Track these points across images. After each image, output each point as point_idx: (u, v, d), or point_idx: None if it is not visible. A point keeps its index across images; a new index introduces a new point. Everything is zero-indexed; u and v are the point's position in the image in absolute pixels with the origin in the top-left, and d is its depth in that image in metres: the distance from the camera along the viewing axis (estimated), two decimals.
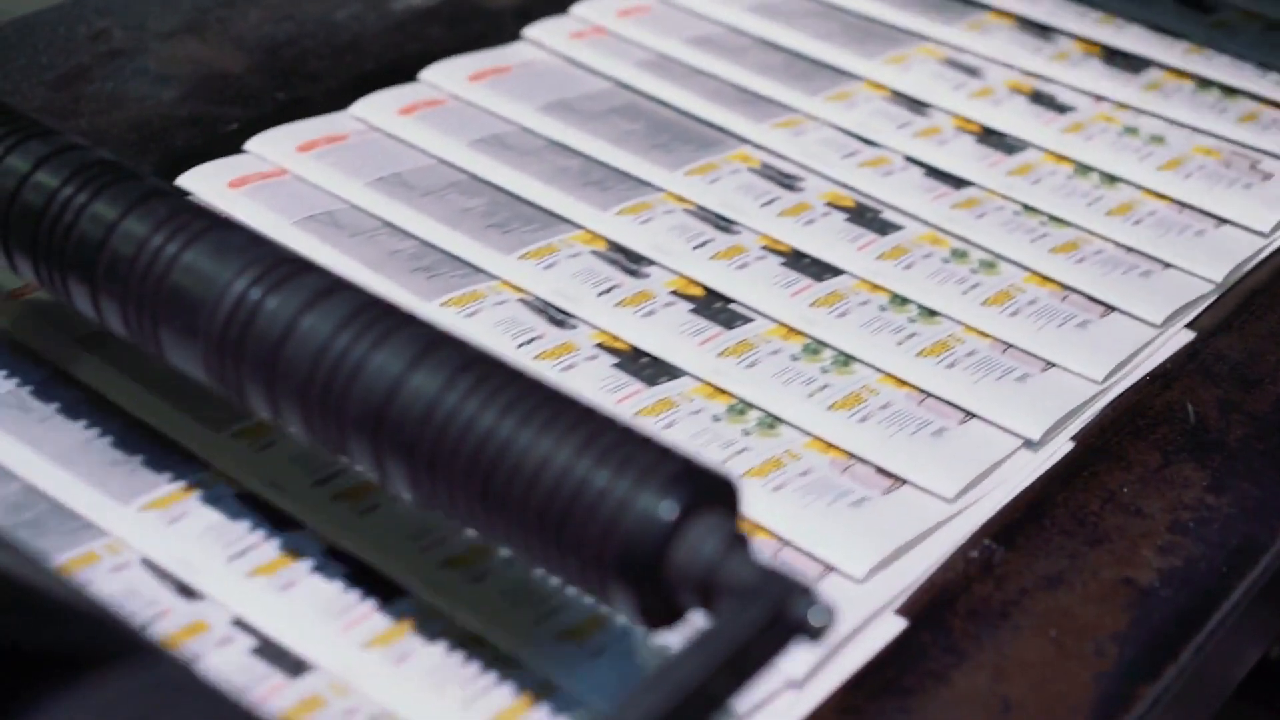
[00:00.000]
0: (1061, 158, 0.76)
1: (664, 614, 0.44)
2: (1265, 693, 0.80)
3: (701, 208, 0.71)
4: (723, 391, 0.61)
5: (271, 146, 0.72)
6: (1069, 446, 0.60)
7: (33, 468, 0.54)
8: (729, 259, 0.67)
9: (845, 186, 0.73)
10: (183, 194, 0.55)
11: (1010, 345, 0.64)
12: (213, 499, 0.54)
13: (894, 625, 0.52)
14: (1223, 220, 0.73)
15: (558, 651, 0.49)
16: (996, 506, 0.57)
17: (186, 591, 0.51)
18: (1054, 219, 0.72)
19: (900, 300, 0.66)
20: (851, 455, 0.58)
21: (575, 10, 0.85)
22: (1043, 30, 0.86)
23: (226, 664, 0.48)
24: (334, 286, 0.49)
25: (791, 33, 0.84)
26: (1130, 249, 0.71)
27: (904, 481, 0.57)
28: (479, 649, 0.49)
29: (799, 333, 0.64)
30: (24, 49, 0.78)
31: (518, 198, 0.70)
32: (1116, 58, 0.84)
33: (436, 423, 0.45)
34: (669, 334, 0.63)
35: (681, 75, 0.80)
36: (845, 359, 0.63)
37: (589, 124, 0.75)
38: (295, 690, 0.48)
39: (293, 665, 0.49)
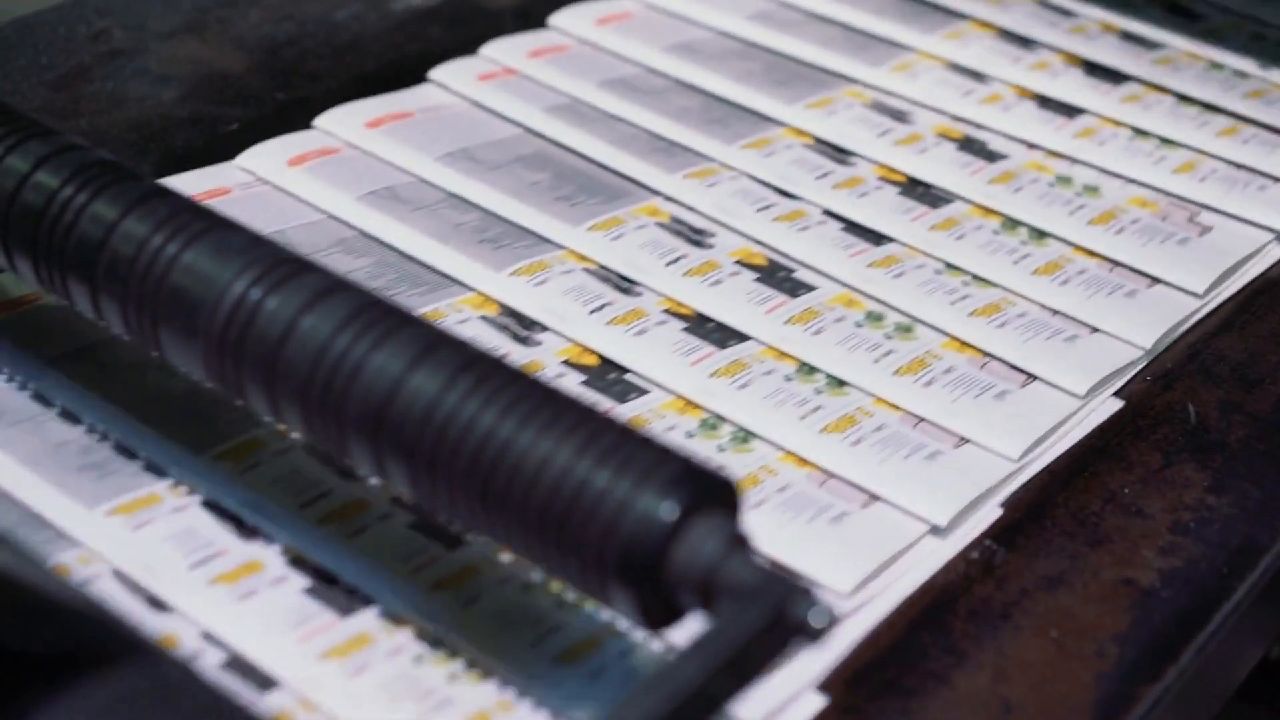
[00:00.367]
0: (989, 211, 0.72)
1: (664, 615, 0.44)
2: (1266, 693, 0.80)
3: (603, 266, 0.66)
4: None
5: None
6: (991, 520, 0.57)
7: (2, 471, 0.54)
8: (626, 325, 0.63)
9: (758, 242, 0.69)
10: (183, 196, 0.55)
11: (922, 419, 0.60)
12: (179, 506, 0.53)
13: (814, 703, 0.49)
14: (1155, 280, 0.69)
15: (556, 675, 0.49)
16: (881, 615, 0.53)
17: (157, 604, 0.50)
18: (977, 278, 0.68)
19: (808, 369, 0.62)
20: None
21: (485, 50, 0.81)
22: (975, 74, 0.82)
23: None
24: (334, 287, 0.49)
25: (711, 75, 0.80)
26: (1056, 311, 0.66)
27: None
28: (441, 660, 0.49)
29: (696, 406, 0.60)
30: (24, 49, 0.78)
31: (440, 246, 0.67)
32: (1050, 103, 0.80)
33: (437, 423, 0.45)
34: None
35: (592, 120, 0.76)
36: (745, 435, 0.59)
37: (489, 175, 0.71)
38: (265, 706, 0.47)
39: (261, 680, 0.48)
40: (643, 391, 0.61)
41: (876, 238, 0.70)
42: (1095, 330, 0.66)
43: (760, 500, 0.56)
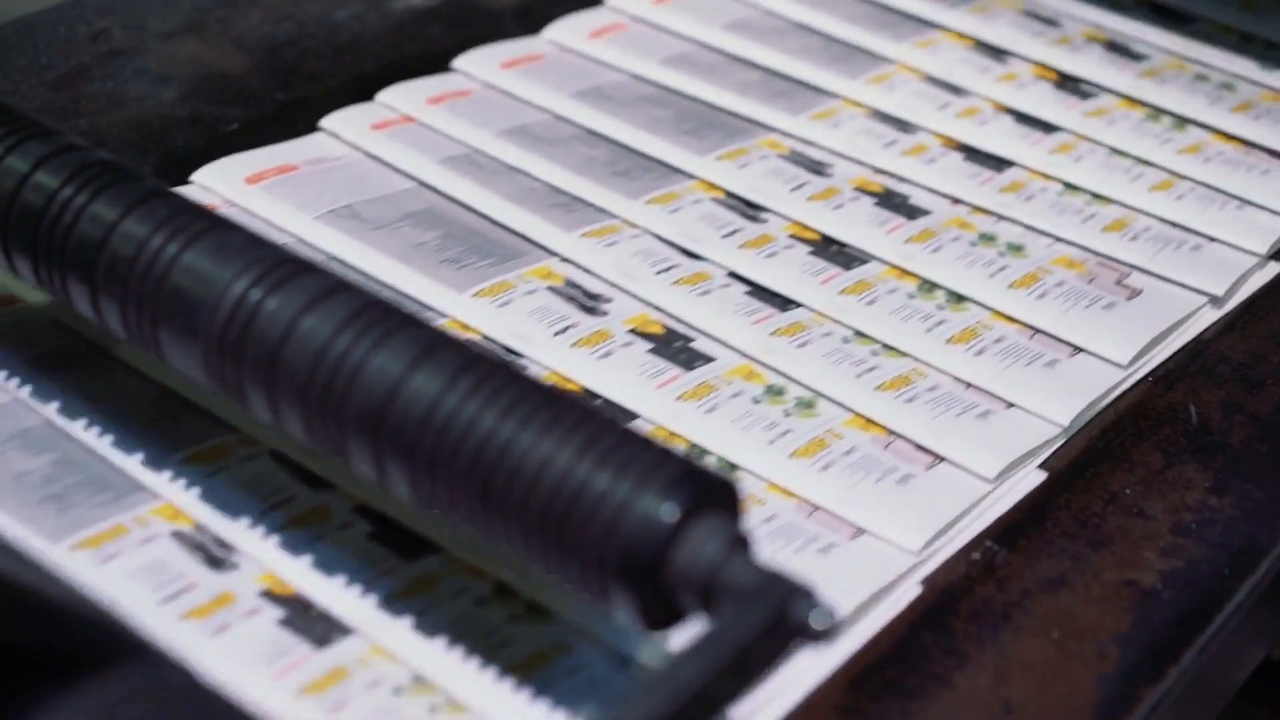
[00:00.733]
0: (905, 272, 0.67)
1: (665, 616, 0.44)
2: (1267, 694, 0.80)
3: (487, 337, 0.62)
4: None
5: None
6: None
7: None
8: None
9: (655, 308, 0.65)
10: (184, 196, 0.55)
11: (817, 507, 0.56)
12: (146, 537, 0.52)
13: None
14: (1078, 349, 0.64)
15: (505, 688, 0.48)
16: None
17: None
18: (887, 347, 0.63)
19: (700, 451, 0.58)
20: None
21: (382, 96, 0.77)
22: (899, 123, 0.78)
23: None
24: (334, 288, 0.49)
25: (619, 123, 0.76)
26: (969, 385, 0.62)
27: None
28: (421, 691, 0.48)
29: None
30: (24, 49, 0.78)
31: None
32: (977, 155, 0.75)
33: (437, 424, 0.45)
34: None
35: (491, 173, 0.72)
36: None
37: (372, 235, 0.67)
38: None
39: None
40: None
41: (783, 302, 0.65)
42: (1011, 405, 0.61)
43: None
